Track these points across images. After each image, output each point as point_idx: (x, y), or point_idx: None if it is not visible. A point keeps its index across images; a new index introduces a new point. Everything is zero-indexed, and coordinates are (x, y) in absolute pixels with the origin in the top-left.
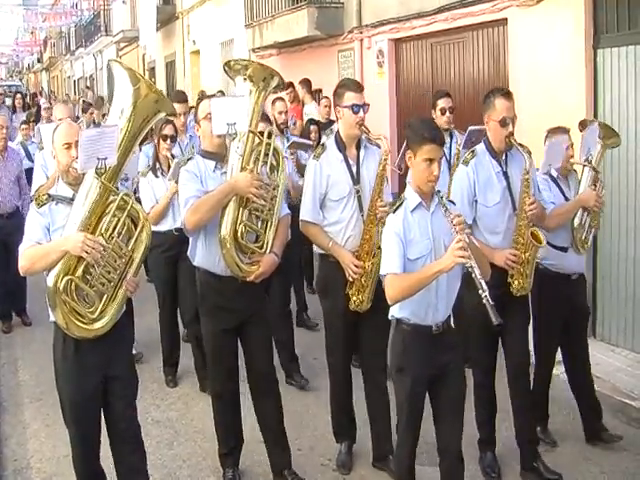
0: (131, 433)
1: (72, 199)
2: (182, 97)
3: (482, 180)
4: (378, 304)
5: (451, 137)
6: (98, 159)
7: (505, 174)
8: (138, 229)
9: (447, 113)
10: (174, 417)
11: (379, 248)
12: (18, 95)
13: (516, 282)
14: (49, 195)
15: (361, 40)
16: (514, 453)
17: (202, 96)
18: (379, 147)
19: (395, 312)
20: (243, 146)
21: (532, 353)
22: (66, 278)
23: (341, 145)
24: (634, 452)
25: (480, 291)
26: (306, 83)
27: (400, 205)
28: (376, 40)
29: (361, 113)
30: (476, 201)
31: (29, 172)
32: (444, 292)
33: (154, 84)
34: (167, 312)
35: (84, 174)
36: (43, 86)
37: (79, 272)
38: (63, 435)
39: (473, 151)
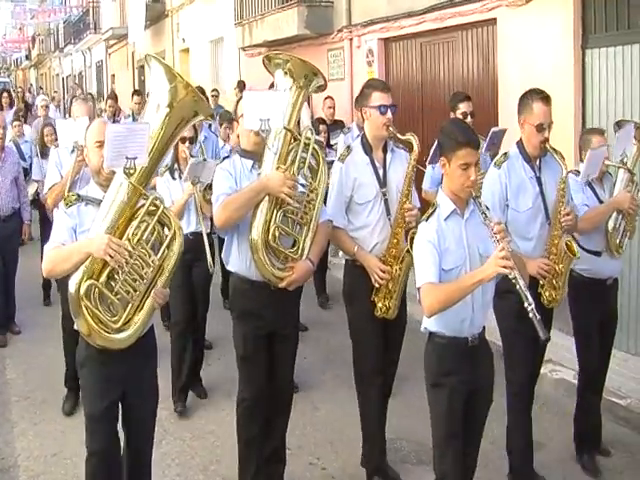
0: (144, 470)
1: (102, 201)
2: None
3: (514, 184)
4: (400, 312)
5: None
6: (127, 158)
7: (538, 180)
8: (169, 237)
9: (469, 117)
10: (163, 416)
11: (407, 252)
12: (4, 94)
13: (547, 293)
14: (78, 195)
15: (351, 39)
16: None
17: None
18: (406, 151)
19: (429, 325)
20: (279, 144)
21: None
22: (88, 282)
23: (367, 147)
24: (621, 450)
25: (525, 304)
26: None
27: (433, 213)
28: (366, 39)
29: (389, 114)
30: (507, 205)
31: (23, 173)
32: (480, 304)
33: (190, 84)
34: (180, 320)
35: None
36: (32, 83)
37: (103, 277)
38: (51, 434)
39: (506, 154)
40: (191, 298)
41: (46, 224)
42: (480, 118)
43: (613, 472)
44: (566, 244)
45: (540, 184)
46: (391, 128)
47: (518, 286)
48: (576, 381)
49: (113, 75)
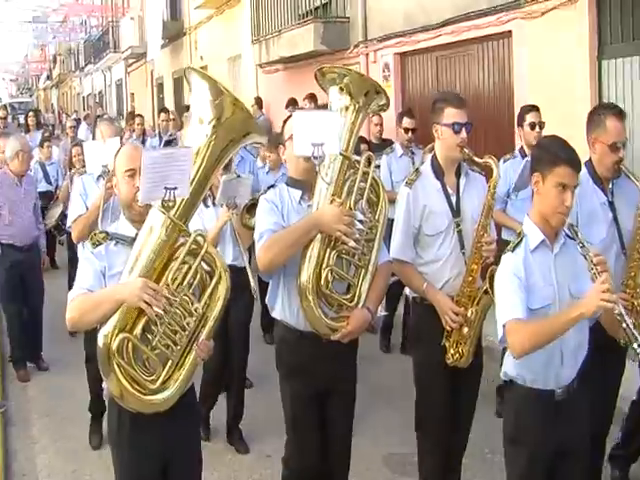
0: None
1: (135, 239)
2: None
3: (585, 212)
4: (476, 359)
5: None
6: (166, 189)
7: (611, 205)
8: (214, 281)
9: (537, 128)
10: None
11: (486, 292)
12: (30, 113)
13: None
14: (107, 233)
15: (367, 54)
16: None
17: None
18: (482, 174)
19: (509, 370)
20: (334, 173)
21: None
22: (121, 336)
23: (439, 171)
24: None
25: (635, 344)
26: (312, 98)
27: (519, 243)
28: (382, 54)
29: (463, 133)
30: None
31: (48, 196)
32: (571, 349)
33: (238, 100)
34: (214, 364)
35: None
36: (53, 102)
37: (138, 329)
38: (71, 450)
39: None
40: (226, 343)
41: (73, 252)
42: (496, 131)
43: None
44: None
45: (613, 210)
46: (466, 149)
47: (625, 324)
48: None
49: (132, 94)
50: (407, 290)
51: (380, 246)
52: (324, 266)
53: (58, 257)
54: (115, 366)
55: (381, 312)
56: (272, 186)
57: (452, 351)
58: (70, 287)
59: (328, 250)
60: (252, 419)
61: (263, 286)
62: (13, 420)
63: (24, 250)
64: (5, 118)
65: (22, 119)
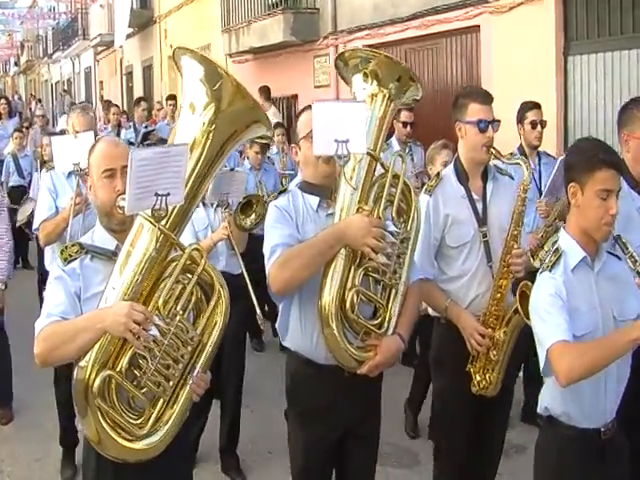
0: None
1: (115, 253)
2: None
3: (622, 218)
4: (504, 388)
5: (539, 158)
6: (156, 195)
7: None
8: (212, 302)
9: (538, 127)
10: None
11: (516, 312)
12: (2, 100)
13: None
14: (81, 246)
15: (336, 46)
16: None
17: None
18: (512, 178)
19: (553, 407)
20: (360, 176)
21: None
22: (104, 374)
23: (462, 175)
24: None
25: None
26: (264, 90)
27: (557, 261)
28: (351, 46)
29: (490, 131)
30: None
31: (20, 191)
32: (614, 380)
33: (240, 85)
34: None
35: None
36: (17, 90)
37: (123, 364)
38: (35, 439)
39: None
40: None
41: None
42: None
43: None
44: None
45: None
46: (493, 150)
47: None
48: None
49: (101, 82)
50: (430, 310)
51: (412, 261)
52: (349, 286)
53: (31, 256)
54: (95, 408)
55: None
56: (283, 191)
57: (478, 378)
58: (40, 291)
59: (353, 267)
60: (248, 443)
61: (256, 294)
62: None
63: None
64: None
65: None
